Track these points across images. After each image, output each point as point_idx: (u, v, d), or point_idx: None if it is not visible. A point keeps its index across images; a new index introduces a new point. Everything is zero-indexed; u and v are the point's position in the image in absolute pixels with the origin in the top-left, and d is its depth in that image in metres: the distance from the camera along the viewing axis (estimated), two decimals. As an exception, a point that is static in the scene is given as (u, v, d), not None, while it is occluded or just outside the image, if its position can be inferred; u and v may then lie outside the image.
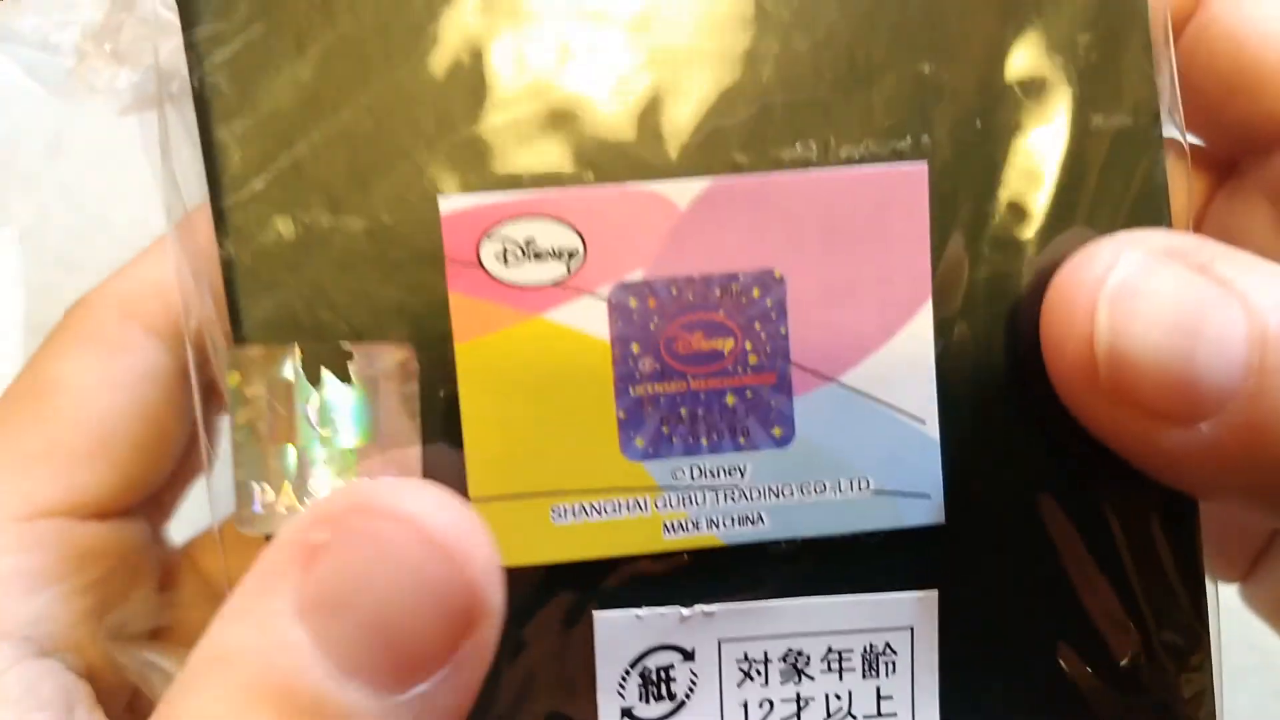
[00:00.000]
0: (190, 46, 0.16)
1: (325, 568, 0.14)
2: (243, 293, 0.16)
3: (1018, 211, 0.18)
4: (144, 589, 0.19)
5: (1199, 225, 0.23)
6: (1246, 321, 0.15)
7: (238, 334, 0.17)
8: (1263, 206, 0.22)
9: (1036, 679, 0.18)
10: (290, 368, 0.17)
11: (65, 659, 0.18)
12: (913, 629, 0.18)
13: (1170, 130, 0.19)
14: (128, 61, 0.17)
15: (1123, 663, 0.18)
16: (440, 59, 0.17)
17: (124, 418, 0.18)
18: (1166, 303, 0.16)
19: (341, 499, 0.15)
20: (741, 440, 0.17)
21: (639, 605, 0.17)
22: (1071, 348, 0.16)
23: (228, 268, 0.16)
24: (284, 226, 0.16)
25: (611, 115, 0.17)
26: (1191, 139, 0.23)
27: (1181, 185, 0.19)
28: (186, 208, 0.17)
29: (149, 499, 0.20)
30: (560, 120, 0.17)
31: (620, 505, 0.17)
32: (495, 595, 0.15)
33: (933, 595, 0.18)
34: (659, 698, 0.17)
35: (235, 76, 0.16)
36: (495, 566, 0.15)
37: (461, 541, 0.14)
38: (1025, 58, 0.17)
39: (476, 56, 0.17)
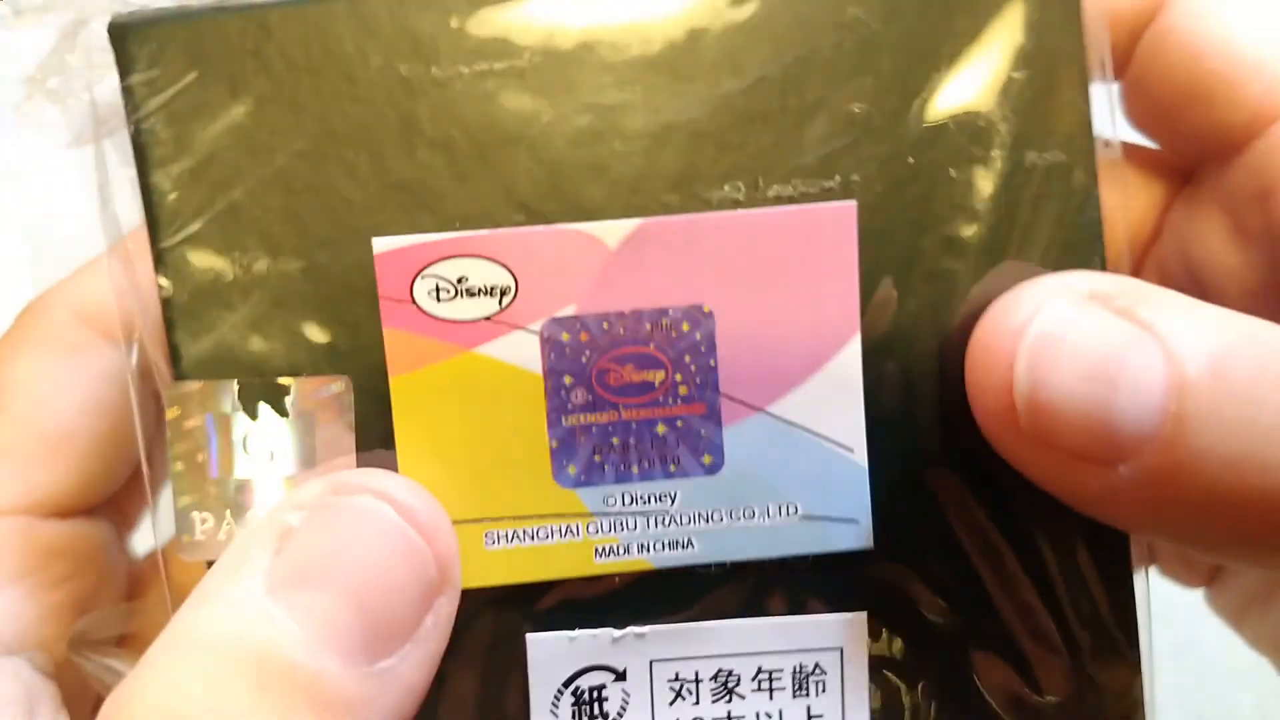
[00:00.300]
0: (126, 92, 0.17)
1: (299, 545, 0.15)
2: (180, 330, 0.17)
3: (950, 246, 0.18)
4: (110, 595, 0.20)
5: (1157, 233, 0.23)
6: (1165, 367, 0.15)
7: (177, 369, 0.17)
8: (1217, 216, 0.22)
9: (965, 702, 0.19)
10: (229, 401, 0.17)
11: (32, 658, 0.19)
12: (842, 650, 0.18)
13: (1110, 159, 0.19)
14: (70, 99, 0.17)
15: (1051, 690, 0.19)
16: (372, 102, 0.17)
17: (80, 416, 0.19)
18: (1086, 350, 0.16)
19: (317, 484, 0.16)
20: (672, 468, 0.18)
21: (572, 628, 0.18)
22: (992, 395, 0.17)
23: (167, 306, 0.17)
24: (221, 267, 0.17)
25: (542, 157, 0.17)
26: (1147, 143, 0.23)
27: (1120, 214, 0.19)
28: (128, 244, 0.17)
29: (111, 504, 0.20)
30: (492, 161, 0.17)
31: (553, 530, 0.18)
32: (457, 570, 0.16)
33: (862, 617, 0.18)
34: (592, 717, 0.18)
35: (171, 121, 0.17)
36: (455, 544, 0.16)
37: (430, 517, 0.16)
38: (959, 95, 0.18)
39: (409, 98, 0.17)
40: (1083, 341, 0.16)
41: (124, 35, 0.17)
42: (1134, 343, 0.16)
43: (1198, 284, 0.22)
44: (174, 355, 0.17)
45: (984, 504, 0.18)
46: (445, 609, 0.16)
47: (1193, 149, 0.22)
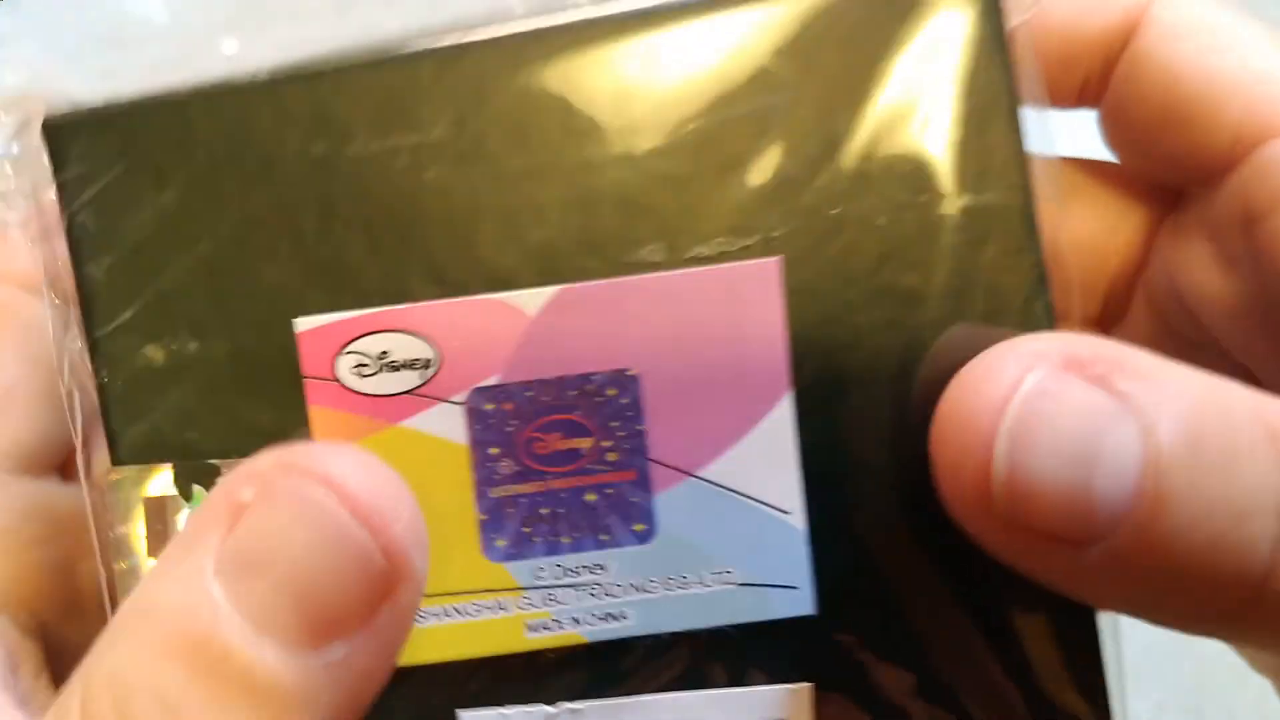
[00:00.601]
0: (60, 188, 0.17)
1: (245, 527, 0.15)
2: (115, 418, 0.17)
3: (882, 297, 0.17)
4: (94, 563, 0.20)
5: (1146, 258, 0.22)
6: (1141, 442, 0.15)
7: (114, 456, 0.17)
8: (1203, 242, 0.21)
9: None
10: (163, 485, 0.17)
11: (17, 617, 0.19)
12: (788, 722, 0.18)
13: (1051, 191, 0.18)
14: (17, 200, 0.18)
15: None
16: (290, 184, 0.17)
17: (19, 369, 0.19)
18: (1066, 431, 0.15)
19: (270, 457, 0.15)
20: (603, 538, 0.18)
21: (504, 704, 0.18)
22: (968, 476, 0.16)
23: (102, 393, 0.17)
24: (153, 353, 0.17)
25: (457, 230, 0.17)
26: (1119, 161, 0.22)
27: (1066, 247, 0.19)
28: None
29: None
30: (407, 236, 0.17)
31: (482, 607, 0.18)
32: (415, 559, 0.15)
33: (807, 688, 0.18)
34: (531, 796, 0.18)
35: (100, 214, 0.17)
36: (417, 530, 0.15)
37: (383, 504, 0.15)
38: (883, 141, 0.17)
39: (325, 179, 0.17)
40: (1063, 422, 0.15)
41: (56, 133, 0.17)
42: (1111, 416, 0.15)
43: (1186, 310, 0.22)
44: (111, 441, 0.18)
45: (936, 566, 0.18)
46: (404, 599, 0.15)
47: (1173, 173, 0.21)
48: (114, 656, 0.15)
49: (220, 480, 0.16)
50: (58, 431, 0.20)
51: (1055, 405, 0.15)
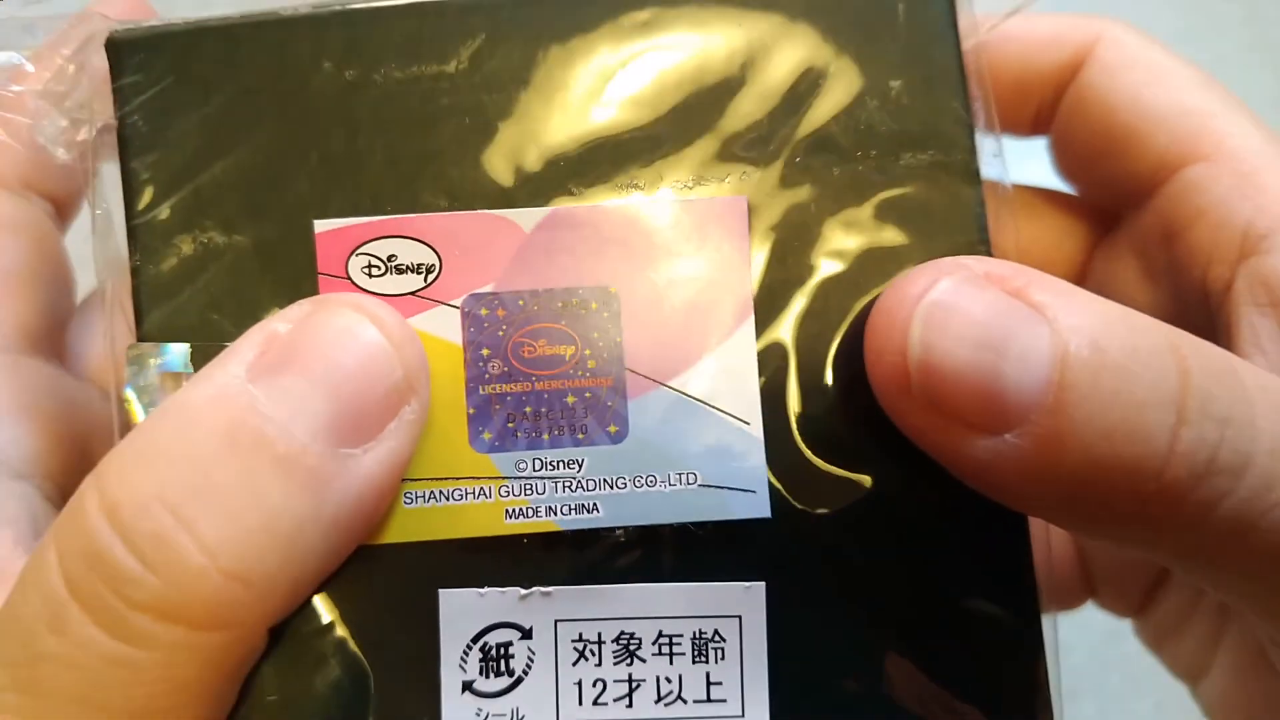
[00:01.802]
0: (116, 93, 0.19)
1: (283, 343, 0.17)
2: (146, 298, 0.19)
3: (837, 234, 0.20)
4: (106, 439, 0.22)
5: (1083, 276, 0.25)
6: (1051, 341, 0.17)
7: (140, 333, 0.19)
8: (1131, 258, 0.23)
9: (865, 678, 0.19)
10: (179, 362, 0.19)
11: (42, 487, 0.20)
12: (741, 618, 0.19)
13: (993, 174, 0.21)
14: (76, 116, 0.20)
15: (956, 673, 0.19)
16: (322, 104, 0.20)
17: (20, 258, 0.21)
18: (976, 320, 0.17)
19: (305, 303, 0.18)
20: (580, 436, 0.19)
21: (481, 585, 0.19)
22: (888, 359, 0.18)
23: (135, 275, 0.19)
24: (184, 243, 0.19)
25: (466, 153, 0.20)
26: (1069, 189, 0.25)
27: (1009, 227, 0.21)
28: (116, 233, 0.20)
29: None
30: (422, 156, 0.20)
31: (466, 492, 0.19)
32: (425, 383, 0.18)
33: (760, 586, 0.19)
34: (498, 673, 0.19)
35: (149, 118, 0.19)
36: (424, 359, 0.18)
37: (401, 331, 0.18)
38: (840, 102, 0.20)
39: (354, 99, 0.20)
40: (975, 312, 0.17)
41: (117, 47, 0.20)
42: (1023, 318, 0.17)
43: None
44: (138, 319, 0.19)
45: (885, 478, 0.19)
46: (410, 415, 0.18)
47: (1110, 197, 0.24)
48: (142, 436, 0.16)
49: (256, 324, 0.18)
50: (58, 316, 0.21)
51: (969, 300, 0.17)
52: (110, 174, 0.20)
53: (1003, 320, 0.17)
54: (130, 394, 0.19)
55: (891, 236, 0.20)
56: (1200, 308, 0.22)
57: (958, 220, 0.20)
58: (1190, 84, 0.22)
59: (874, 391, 0.19)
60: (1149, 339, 0.17)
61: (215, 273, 0.19)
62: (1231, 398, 0.17)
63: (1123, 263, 0.24)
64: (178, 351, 0.19)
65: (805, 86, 0.20)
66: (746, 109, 0.20)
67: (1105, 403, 0.16)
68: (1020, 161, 0.24)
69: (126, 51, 0.20)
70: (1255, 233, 0.21)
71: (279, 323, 0.17)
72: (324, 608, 0.19)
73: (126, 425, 0.19)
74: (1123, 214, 0.24)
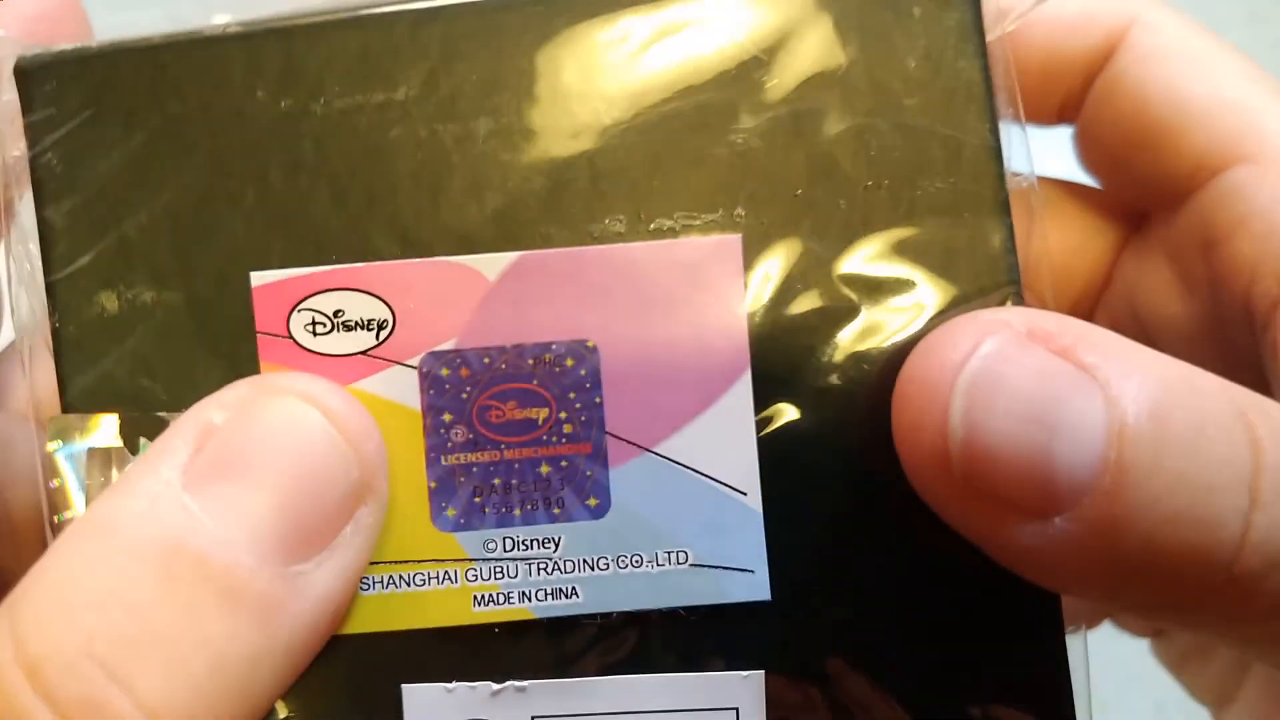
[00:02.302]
0: (28, 129, 0.17)
1: (220, 441, 0.15)
2: (67, 363, 0.17)
3: (845, 279, 0.17)
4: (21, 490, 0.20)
5: (1110, 278, 0.22)
6: (1106, 412, 0.15)
7: (64, 402, 0.17)
8: (1164, 264, 0.21)
9: None
10: (109, 435, 0.17)
11: None
12: (738, 710, 0.17)
13: (1028, 200, 0.18)
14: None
15: None
16: (259, 136, 0.17)
17: None
18: (1025, 392, 0.15)
19: (241, 384, 0.16)
20: (556, 511, 0.17)
21: (449, 679, 0.17)
22: (926, 437, 0.16)
23: (56, 338, 0.17)
24: (108, 300, 0.17)
25: (422, 190, 0.17)
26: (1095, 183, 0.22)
27: (1041, 256, 0.18)
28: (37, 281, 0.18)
29: None
30: (372, 195, 0.17)
31: (430, 577, 0.17)
32: (383, 480, 0.16)
33: (758, 675, 0.17)
34: (469, 775, 0.17)
35: (65, 158, 0.17)
36: (383, 452, 0.16)
37: (357, 422, 0.16)
38: (849, 126, 0.17)
39: (294, 132, 0.17)
40: (1022, 383, 0.15)
41: (27, 76, 0.17)
42: (1074, 385, 0.15)
43: (1144, 331, 0.22)
44: (61, 388, 0.17)
45: (899, 554, 0.17)
46: (367, 519, 0.16)
47: (1140, 195, 0.22)
48: (63, 567, 0.14)
49: (190, 409, 0.16)
50: None
51: (1015, 368, 0.15)
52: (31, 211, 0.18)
53: (1053, 390, 0.15)
54: (61, 462, 0.17)
55: (908, 280, 0.17)
56: (1242, 325, 0.19)
57: (984, 261, 0.17)
58: (1234, 75, 0.20)
59: (905, 469, 0.16)
60: (1214, 404, 0.15)
61: (144, 333, 0.17)
62: None
63: (1154, 267, 0.21)
64: (106, 424, 0.17)
65: (806, 107, 0.17)
66: (740, 135, 0.17)
67: (1170, 485, 0.14)
68: (1038, 148, 0.22)
69: (37, 80, 0.17)
70: None
71: (214, 410, 0.15)
72: (276, 706, 0.17)
73: (55, 503, 0.17)
74: (1154, 214, 0.21)
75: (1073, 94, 0.21)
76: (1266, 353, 0.19)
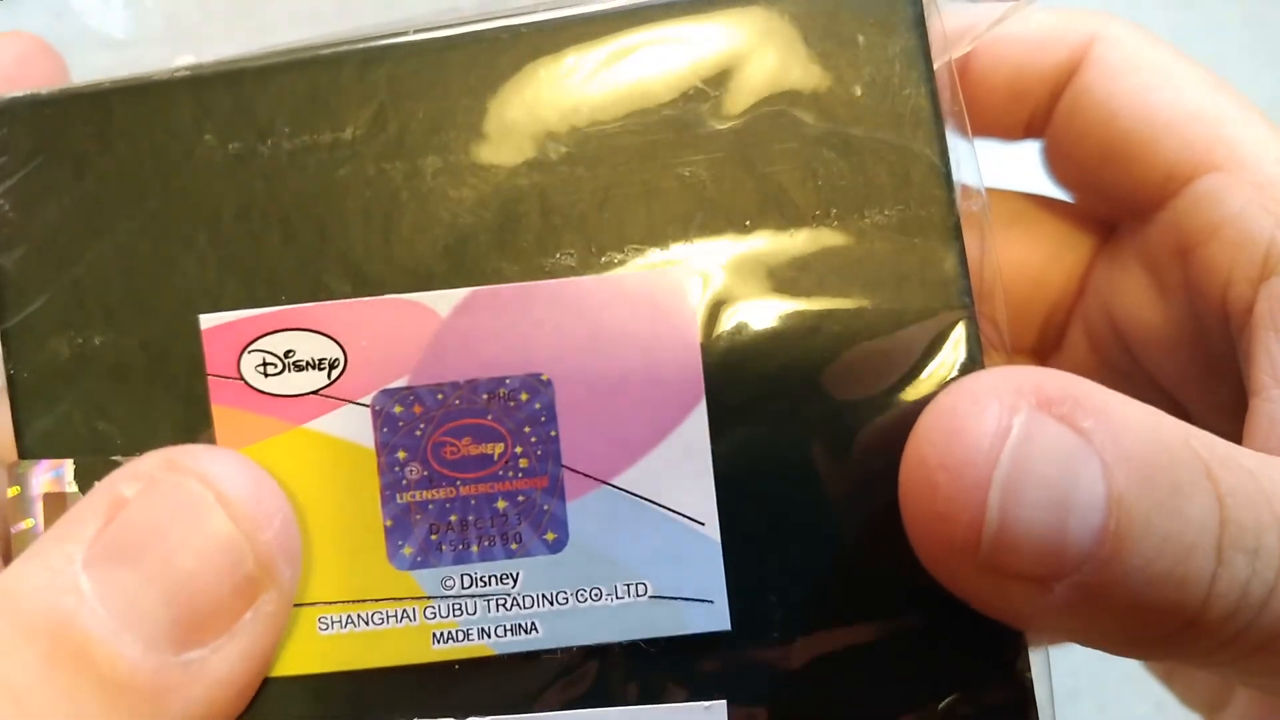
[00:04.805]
0: (-23, 181, 0.17)
1: (122, 519, 0.15)
2: (23, 409, 0.17)
3: (798, 307, 0.17)
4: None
5: (1083, 288, 0.22)
6: (1104, 480, 0.15)
7: (21, 448, 0.17)
8: (1138, 272, 0.21)
9: None
10: (65, 480, 0.17)
11: None
12: (701, 743, 0.17)
13: (975, 214, 0.18)
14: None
15: None
16: (207, 178, 0.17)
17: None
18: (1049, 480, 0.15)
19: (156, 456, 0.16)
20: (513, 546, 0.17)
21: (410, 718, 0.17)
22: (959, 530, 0.15)
23: (11, 384, 0.17)
24: (61, 345, 0.17)
25: (372, 228, 0.17)
26: (1065, 196, 0.22)
27: (991, 269, 0.18)
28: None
29: None
30: (323, 234, 0.17)
31: (388, 615, 0.17)
32: (286, 566, 0.15)
33: (721, 706, 0.17)
34: (431, 815, 0.17)
35: (16, 205, 0.17)
36: (289, 539, 0.16)
37: (259, 508, 0.15)
38: (792, 154, 0.17)
39: (243, 175, 0.17)
40: (1045, 469, 0.15)
41: (-26, 125, 0.17)
42: (1083, 462, 0.15)
43: (1119, 340, 0.22)
44: (18, 432, 0.17)
45: (859, 580, 0.17)
46: (268, 606, 0.16)
47: (1111, 206, 0.22)
48: None
49: (105, 477, 0.15)
50: None
51: (1038, 451, 0.15)
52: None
53: (1069, 471, 0.15)
54: (26, 506, 0.17)
55: (861, 306, 0.17)
56: (1219, 328, 0.20)
57: (936, 285, 0.17)
58: (1198, 86, 0.20)
59: (919, 550, 0.16)
60: (1184, 459, 0.15)
61: (98, 377, 0.17)
62: (1258, 525, 0.15)
63: (1129, 275, 0.21)
64: (63, 469, 0.17)
65: (753, 138, 0.17)
66: (688, 166, 0.17)
67: (1157, 549, 0.15)
68: (1004, 162, 0.22)
69: (-14, 128, 0.17)
70: (1278, 250, 0.18)
71: (128, 482, 0.15)
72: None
73: (20, 547, 0.17)
74: (1126, 224, 0.21)
75: (1039, 110, 0.21)
76: (1242, 355, 0.19)
